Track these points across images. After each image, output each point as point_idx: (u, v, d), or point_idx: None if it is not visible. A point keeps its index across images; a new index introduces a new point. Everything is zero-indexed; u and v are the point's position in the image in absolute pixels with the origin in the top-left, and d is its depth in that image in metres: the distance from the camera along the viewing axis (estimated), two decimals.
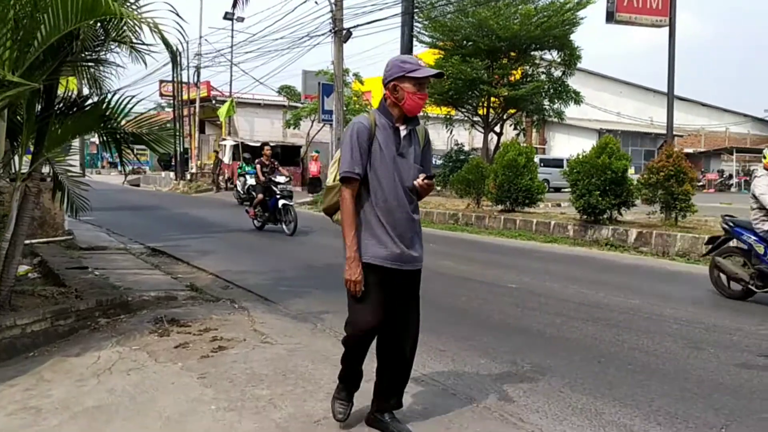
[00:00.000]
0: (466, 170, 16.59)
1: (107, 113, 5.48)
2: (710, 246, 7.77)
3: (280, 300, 6.93)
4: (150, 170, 50.95)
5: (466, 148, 24.76)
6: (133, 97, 5.55)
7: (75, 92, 6.09)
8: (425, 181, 3.29)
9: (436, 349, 5.15)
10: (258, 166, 14.31)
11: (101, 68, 5.75)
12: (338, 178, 3.33)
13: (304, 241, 12.55)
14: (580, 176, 12.76)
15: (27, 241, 9.83)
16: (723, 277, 7.45)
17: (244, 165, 21.06)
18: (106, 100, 5.43)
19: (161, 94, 40.14)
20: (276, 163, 14.85)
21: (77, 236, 11.81)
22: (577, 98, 21.63)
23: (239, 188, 20.31)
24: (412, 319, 3.49)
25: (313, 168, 27.67)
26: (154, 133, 5.82)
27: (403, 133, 3.33)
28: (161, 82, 38.84)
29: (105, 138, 5.71)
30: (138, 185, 39.09)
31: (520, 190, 14.87)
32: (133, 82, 33.43)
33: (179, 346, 4.95)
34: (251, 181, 17.57)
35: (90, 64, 5.47)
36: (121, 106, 5.53)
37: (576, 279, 8.50)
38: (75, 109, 5.40)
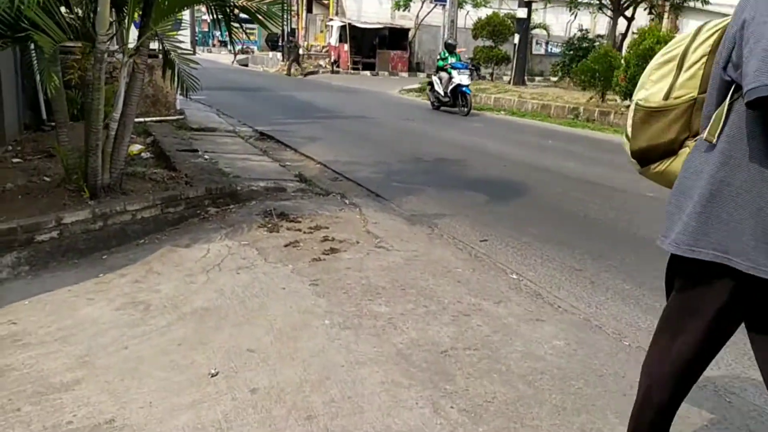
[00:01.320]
0: (592, 59, 15.06)
1: None
2: None
3: (391, 197, 6.46)
4: (258, 50, 51.08)
5: (590, 35, 22.61)
6: None
7: None
8: None
9: (571, 267, 4.54)
10: None
11: None
12: (684, 96, 1.86)
13: (411, 131, 11.93)
14: None
15: (140, 119, 9.87)
16: None
17: (446, 54, 15.97)
18: None
19: None
20: None
21: (188, 116, 11.79)
22: None
23: (439, 87, 15.55)
24: None
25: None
26: (265, 7, 5.23)
27: None
28: None
29: (214, 12, 5.20)
30: (246, 65, 39.25)
31: None
32: None
33: (290, 245, 4.62)
34: (460, 78, 14.82)
35: None
36: None
37: None
38: None
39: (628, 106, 13.15)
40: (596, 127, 13.76)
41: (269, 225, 5.07)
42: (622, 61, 14.42)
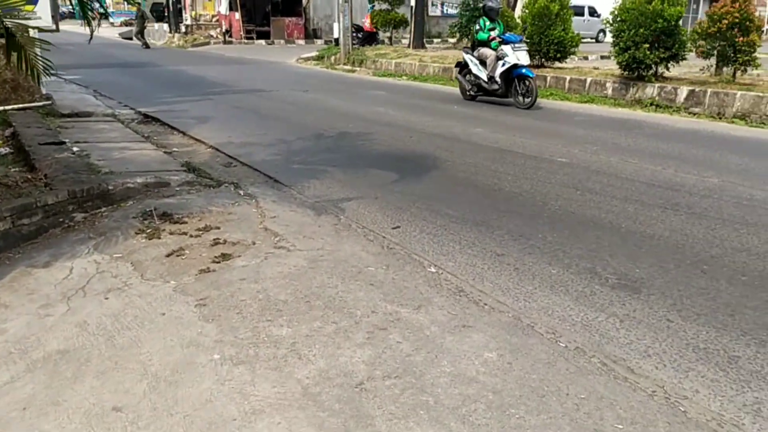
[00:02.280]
0: None
1: None
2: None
3: (292, 183, 5.84)
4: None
5: None
6: None
7: None
8: None
9: (492, 252, 4.13)
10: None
11: None
12: None
13: (311, 104, 11.24)
14: (626, 26, 11.14)
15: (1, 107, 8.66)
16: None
17: (486, 23, 11.47)
18: None
19: None
20: None
21: (60, 99, 10.58)
22: None
23: (480, 70, 11.30)
24: None
25: (366, 23, 23.65)
26: None
27: None
28: None
29: None
30: (131, 39, 36.66)
31: (552, 43, 13.21)
32: None
33: (173, 254, 3.94)
34: (517, 57, 10.65)
35: None
36: None
37: (632, 150, 7.34)
38: None
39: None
40: None
41: (149, 230, 4.35)
42: (518, 20, 14.24)
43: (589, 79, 12.21)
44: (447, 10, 35.25)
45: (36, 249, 4.11)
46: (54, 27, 9.01)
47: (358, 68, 18.29)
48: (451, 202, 5.26)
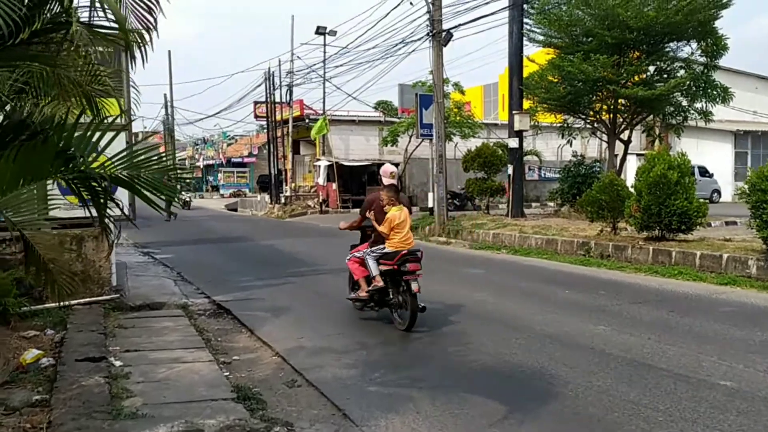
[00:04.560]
0: (597, 189, 13.55)
1: (68, 148, 3.24)
2: None
3: (365, 420, 4.48)
4: (250, 192, 50.71)
5: (584, 159, 21.61)
6: (115, 118, 3.30)
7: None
8: None
9: None
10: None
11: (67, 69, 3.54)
12: None
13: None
14: None
15: (64, 303, 8.03)
16: None
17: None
18: (63, 124, 3.20)
19: (256, 116, 39.32)
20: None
21: (138, 286, 10.03)
22: (726, 95, 17.84)
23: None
24: None
25: None
26: (153, 174, 3.53)
27: None
28: (255, 103, 38.00)
29: (75, 186, 3.49)
30: (236, 210, 38.30)
31: (674, 214, 11.67)
32: (229, 105, 32.60)
33: None
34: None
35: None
36: (92, 136, 3.28)
37: None
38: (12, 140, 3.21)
39: (646, 239, 11.39)
40: (613, 264, 11.96)
41: None
42: (632, 190, 12.91)
43: (725, 256, 10.44)
44: (545, 174, 34.73)
45: None
46: (132, 217, 8.58)
47: (453, 240, 17.32)
48: None
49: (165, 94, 49.85)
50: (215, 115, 71.30)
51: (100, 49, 4.02)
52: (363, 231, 8.10)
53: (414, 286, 6.97)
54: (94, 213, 3.60)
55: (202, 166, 62.40)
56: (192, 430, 4.04)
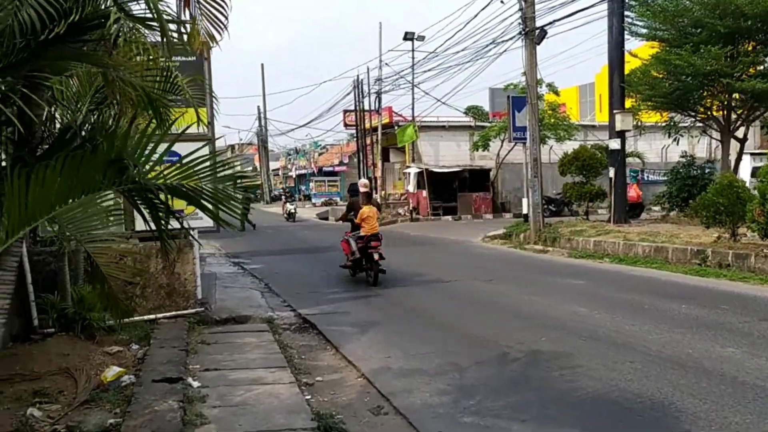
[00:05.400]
0: (713, 191, 12.30)
1: (121, 158, 2.90)
2: None
3: None
4: (341, 200, 51.07)
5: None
6: (169, 126, 2.94)
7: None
8: None
9: None
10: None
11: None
12: None
13: (493, 302, 9.41)
14: None
15: (149, 317, 7.95)
16: None
17: None
18: (115, 132, 2.86)
19: (345, 125, 39.51)
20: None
21: (225, 299, 9.91)
22: None
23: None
24: None
25: (631, 193, 21.02)
26: (209, 188, 3.14)
27: None
28: (345, 111, 38.19)
29: (132, 199, 3.16)
30: (326, 218, 38.53)
31: None
32: (319, 115, 32.89)
33: None
34: None
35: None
36: (147, 145, 2.93)
37: None
38: (56, 149, 2.90)
39: None
40: (734, 275, 10.74)
41: None
42: (755, 192, 11.60)
43: None
44: (648, 176, 32.70)
45: None
46: (215, 228, 8.45)
47: (550, 248, 16.36)
48: None
49: (258, 106, 51.23)
50: (306, 125, 72.37)
51: (177, 59, 3.73)
52: (352, 222, 11.94)
53: (375, 256, 10.92)
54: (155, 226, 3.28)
55: (294, 176, 63.67)
56: None
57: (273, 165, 66.03)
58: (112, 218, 3.94)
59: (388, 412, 4.94)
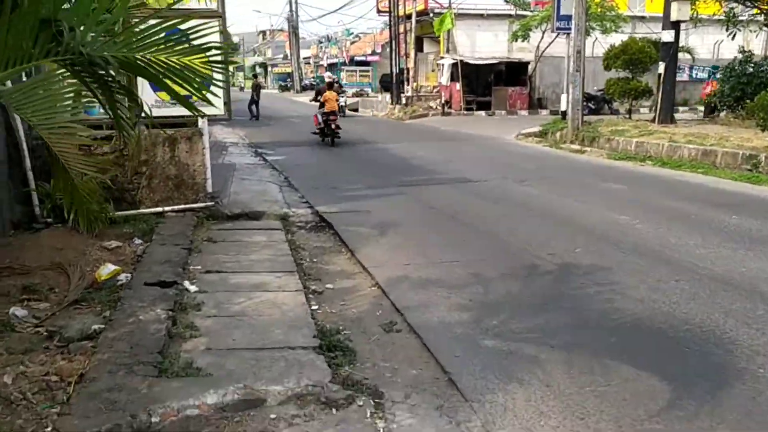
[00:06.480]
0: None
1: (56, 19, 2.20)
2: None
3: (477, 394, 3.41)
4: (372, 92, 49.44)
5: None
6: None
7: None
8: None
9: None
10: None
11: None
12: None
13: (525, 204, 8.74)
14: None
15: (156, 209, 7.49)
16: None
17: None
18: None
19: (378, 11, 37.43)
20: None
21: (240, 192, 9.45)
22: None
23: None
24: None
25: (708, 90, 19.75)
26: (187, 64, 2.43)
27: None
28: None
29: (78, 74, 2.49)
30: (356, 110, 37.45)
31: None
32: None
33: None
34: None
35: None
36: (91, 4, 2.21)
37: None
38: None
39: None
40: None
41: None
42: None
43: None
44: (696, 74, 30.66)
45: None
46: (226, 115, 7.77)
47: (588, 148, 15.39)
48: None
49: None
50: (338, 11, 69.28)
51: None
52: (321, 103, 16.68)
53: (333, 125, 16.11)
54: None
55: (325, 65, 61.78)
56: (249, 400, 3.14)
57: (304, 53, 63.93)
58: (72, 102, 3.29)
59: (401, 329, 4.43)
